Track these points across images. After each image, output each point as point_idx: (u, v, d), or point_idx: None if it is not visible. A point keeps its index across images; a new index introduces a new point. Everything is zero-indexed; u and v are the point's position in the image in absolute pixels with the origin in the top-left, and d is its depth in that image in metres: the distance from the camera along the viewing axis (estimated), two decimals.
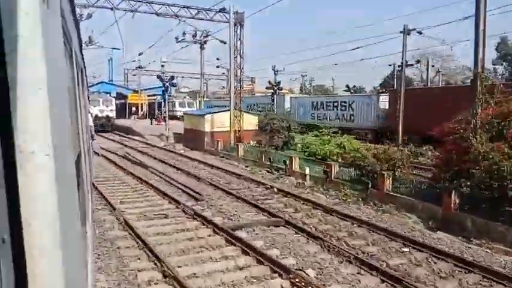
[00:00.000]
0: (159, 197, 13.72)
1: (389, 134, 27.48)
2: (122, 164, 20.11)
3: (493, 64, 66.84)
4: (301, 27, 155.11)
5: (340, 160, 18.04)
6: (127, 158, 22.44)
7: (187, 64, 65.60)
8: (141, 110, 54.52)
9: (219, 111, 27.91)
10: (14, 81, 0.72)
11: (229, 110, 27.30)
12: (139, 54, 34.96)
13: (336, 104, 35.98)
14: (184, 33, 31.81)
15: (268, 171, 18.53)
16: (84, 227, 2.12)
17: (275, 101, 39.06)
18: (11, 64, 0.72)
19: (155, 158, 22.77)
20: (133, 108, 55.13)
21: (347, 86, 61.07)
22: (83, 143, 2.74)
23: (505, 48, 64.95)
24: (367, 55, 76.14)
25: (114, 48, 30.44)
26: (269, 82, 41.55)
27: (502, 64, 67.24)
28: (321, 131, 19.97)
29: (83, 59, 3.95)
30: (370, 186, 13.00)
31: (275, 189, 14.59)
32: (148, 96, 55.91)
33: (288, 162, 17.37)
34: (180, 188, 14.87)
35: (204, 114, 26.51)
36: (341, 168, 15.15)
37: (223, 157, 23.51)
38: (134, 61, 49.68)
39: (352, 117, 33.68)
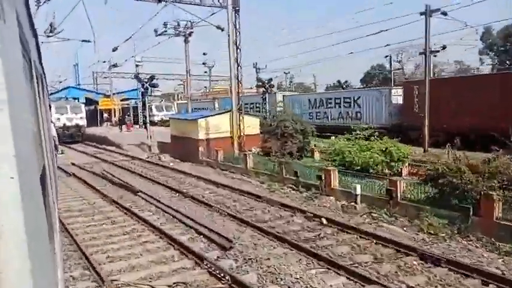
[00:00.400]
0: (163, 243, 9.38)
1: (406, 132, 23.94)
2: (100, 187, 15.57)
3: (480, 54, 65.40)
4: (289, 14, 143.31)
5: (386, 171, 14.17)
6: (106, 178, 17.81)
7: (159, 64, 60.46)
8: (114, 116, 49.22)
9: (214, 114, 23.51)
10: None
11: (225, 112, 23.07)
12: (114, 50, 29.97)
13: (338, 100, 32.10)
14: (165, 24, 27.09)
15: (293, 189, 14.41)
16: (52, 242, 1.94)
17: (266, 100, 35.01)
18: None
19: (142, 176, 18.26)
20: (105, 115, 49.91)
21: (338, 82, 57.50)
22: (47, 155, 2.54)
23: (491, 38, 63.66)
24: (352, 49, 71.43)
25: (84, 41, 25.45)
26: (259, 80, 37.49)
27: (487, 54, 65.96)
28: (354, 133, 15.95)
29: (42, 66, 3.67)
30: (471, 213, 9.07)
31: (324, 220, 10.49)
32: (121, 100, 50.75)
33: (323, 176, 13.30)
34: (189, 225, 10.56)
35: (197, 119, 22.06)
36: (412, 184, 11.17)
37: (225, 170, 19.20)
38: (105, 62, 44.39)
39: (358, 115, 29.85)
